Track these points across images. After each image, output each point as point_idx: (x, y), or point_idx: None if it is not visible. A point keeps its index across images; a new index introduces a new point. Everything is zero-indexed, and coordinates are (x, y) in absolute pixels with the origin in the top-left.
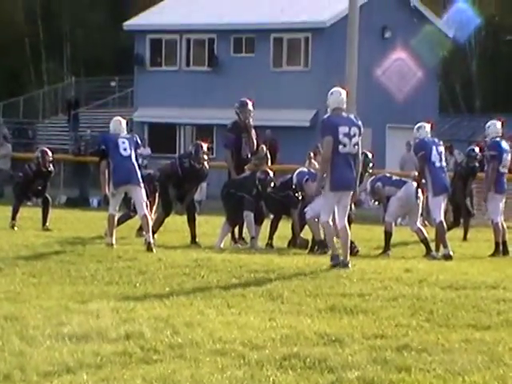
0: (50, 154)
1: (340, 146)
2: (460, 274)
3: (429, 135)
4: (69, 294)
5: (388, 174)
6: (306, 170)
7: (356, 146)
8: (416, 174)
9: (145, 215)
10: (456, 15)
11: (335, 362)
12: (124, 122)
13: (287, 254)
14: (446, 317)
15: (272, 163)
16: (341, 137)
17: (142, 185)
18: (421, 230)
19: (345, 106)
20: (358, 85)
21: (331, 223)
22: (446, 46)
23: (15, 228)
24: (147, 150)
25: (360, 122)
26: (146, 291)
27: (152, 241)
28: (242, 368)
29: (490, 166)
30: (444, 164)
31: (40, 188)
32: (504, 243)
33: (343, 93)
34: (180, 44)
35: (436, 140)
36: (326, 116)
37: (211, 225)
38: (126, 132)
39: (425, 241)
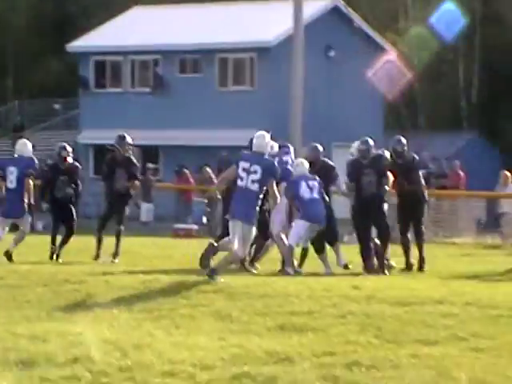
0: None
1: (238, 180)
2: (407, 290)
3: (306, 171)
4: (15, 319)
5: None
6: None
7: (255, 183)
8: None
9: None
10: (443, 16)
11: (285, 380)
12: (30, 145)
13: (236, 273)
14: (394, 333)
15: None
16: (240, 170)
17: None
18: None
19: (266, 150)
20: (303, 104)
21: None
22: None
23: None
24: None
25: (272, 164)
26: (94, 314)
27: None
28: None
29: None
30: (317, 196)
31: None
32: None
33: (267, 138)
34: (124, 65)
35: (308, 175)
36: (243, 150)
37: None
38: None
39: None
